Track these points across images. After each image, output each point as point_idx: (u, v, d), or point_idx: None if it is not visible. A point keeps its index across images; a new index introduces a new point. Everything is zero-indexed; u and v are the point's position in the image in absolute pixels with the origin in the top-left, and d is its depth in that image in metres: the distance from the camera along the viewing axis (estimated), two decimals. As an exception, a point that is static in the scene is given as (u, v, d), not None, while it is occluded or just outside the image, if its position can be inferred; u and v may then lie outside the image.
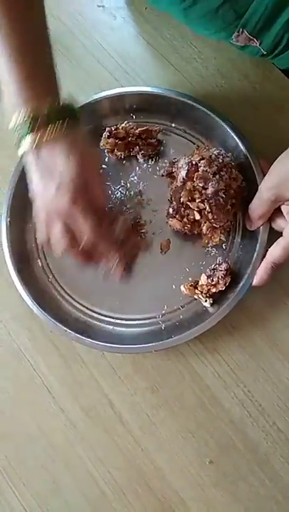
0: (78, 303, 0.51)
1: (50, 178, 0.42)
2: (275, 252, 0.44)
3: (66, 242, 0.44)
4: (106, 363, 0.50)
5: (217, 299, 0.47)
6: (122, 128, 0.52)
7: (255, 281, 0.46)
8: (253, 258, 0.47)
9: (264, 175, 0.47)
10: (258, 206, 0.46)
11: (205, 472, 0.46)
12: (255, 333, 0.48)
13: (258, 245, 0.47)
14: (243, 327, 0.48)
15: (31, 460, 0.49)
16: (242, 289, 0.46)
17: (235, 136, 0.50)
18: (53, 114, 0.41)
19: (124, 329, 0.49)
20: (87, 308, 0.51)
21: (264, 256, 0.46)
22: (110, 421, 0.48)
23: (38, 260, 0.53)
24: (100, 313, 0.50)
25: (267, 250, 0.46)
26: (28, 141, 0.41)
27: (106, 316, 0.50)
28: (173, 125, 0.53)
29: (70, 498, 0.48)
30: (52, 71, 0.43)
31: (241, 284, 0.46)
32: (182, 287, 0.48)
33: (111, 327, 0.50)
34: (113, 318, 0.50)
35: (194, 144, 0.53)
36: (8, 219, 0.52)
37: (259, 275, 0.45)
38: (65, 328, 0.48)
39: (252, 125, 0.52)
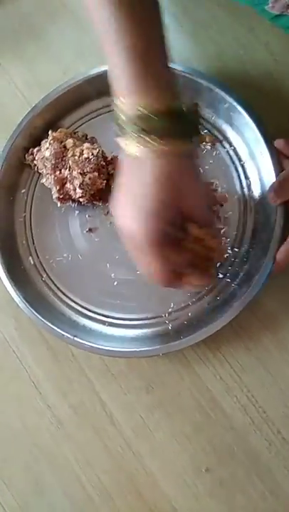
0: (75, 303, 0.47)
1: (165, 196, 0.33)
2: None
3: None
4: (98, 358, 0.46)
5: (229, 294, 0.43)
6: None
7: (275, 268, 0.42)
8: (269, 245, 0.42)
9: (280, 154, 0.43)
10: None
11: (200, 480, 0.43)
12: (265, 334, 0.44)
13: (272, 241, 0.42)
14: (251, 327, 0.44)
15: (14, 459, 0.46)
16: (256, 284, 0.42)
17: (243, 111, 0.45)
18: (186, 126, 0.34)
19: (126, 330, 0.45)
20: (85, 308, 0.47)
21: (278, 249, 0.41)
22: (100, 421, 0.45)
23: (30, 258, 0.48)
24: (99, 314, 0.46)
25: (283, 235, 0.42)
26: (143, 142, 0.32)
27: (106, 316, 0.46)
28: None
29: (54, 501, 0.44)
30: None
31: (257, 276, 0.42)
32: None
33: (112, 328, 0.46)
34: (114, 318, 0.46)
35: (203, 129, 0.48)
36: None
37: (278, 260, 0.41)
38: (62, 332, 0.44)
39: (272, 102, 0.47)
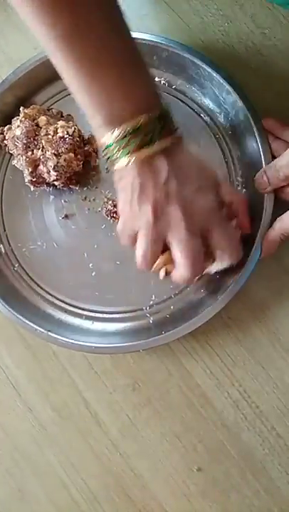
0: (50, 295, 0.44)
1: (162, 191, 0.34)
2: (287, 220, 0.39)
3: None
4: (81, 356, 0.43)
5: (215, 286, 0.40)
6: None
7: (262, 255, 0.40)
8: (256, 237, 0.40)
9: (269, 135, 0.41)
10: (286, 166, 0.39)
11: (192, 481, 0.41)
12: (255, 325, 0.42)
13: (262, 223, 0.40)
14: (241, 318, 0.42)
15: (-6, 465, 0.43)
16: (242, 277, 0.39)
17: (230, 89, 0.42)
18: (153, 126, 0.33)
19: (105, 324, 0.43)
20: (60, 300, 0.44)
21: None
22: (85, 422, 0.43)
23: (1, 245, 0.45)
24: (75, 306, 0.43)
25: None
26: (125, 158, 0.34)
27: (83, 309, 0.43)
28: (156, 79, 0.45)
29: (38, 508, 0.42)
30: (148, 75, 0.35)
31: (242, 270, 0.39)
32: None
33: (90, 322, 0.43)
34: (92, 311, 0.43)
35: (182, 101, 0.44)
36: None
37: (265, 246, 0.39)
38: (35, 327, 0.41)
39: (260, 78, 0.44)
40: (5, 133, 0.44)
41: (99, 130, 0.34)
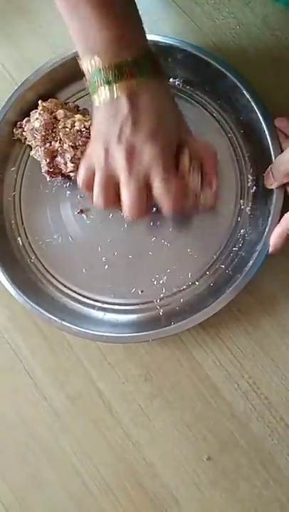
0: (65, 286, 0.45)
1: (130, 125, 0.35)
2: None
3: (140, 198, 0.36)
4: (94, 348, 0.45)
5: (224, 280, 0.42)
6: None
7: (270, 250, 0.40)
8: (264, 233, 0.41)
9: (279, 134, 0.42)
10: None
11: (202, 470, 0.42)
12: (265, 318, 0.43)
13: (270, 219, 0.41)
14: (250, 311, 0.43)
15: (10, 452, 0.44)
16: (252, 269, 0.40)
17: (243, 90, 0.43)
18: (140, 63, 0.35)
19: (116, 315, 0.44)
20: (74, 292, 0.45)
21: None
22: (98, 411, 0.44)
23: (19, 238, 0.47)
24: (89, 298, 0.45)
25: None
26: (105, 90, 0.35)
27: (96, 300, 0.45)
28: (171, 80, 0.46)
29: (53, 495, 0.43)
30: (138, 15, 0.37)
31: (250, 263, 0.40)
32: None
33: (102, 313, 0.44)
34: (104, 303, 0.44)
35: (196, 103, 0.46)
36: None
37: (273, 242, 0.40)
38: (50, 316, 0.42)
39: (271, 79, 0.45)
40: (24, 125, 0.46)
41: (82, 57, 0.36)
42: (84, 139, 0.43)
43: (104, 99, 0.35)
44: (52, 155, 0.44)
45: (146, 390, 0.43)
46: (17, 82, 0.48)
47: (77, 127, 0.43)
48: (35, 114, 0.45)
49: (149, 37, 0.43)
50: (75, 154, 0.43)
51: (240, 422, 0.42)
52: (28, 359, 0.46)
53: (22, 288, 0.44)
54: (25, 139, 0.46)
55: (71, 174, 0.45)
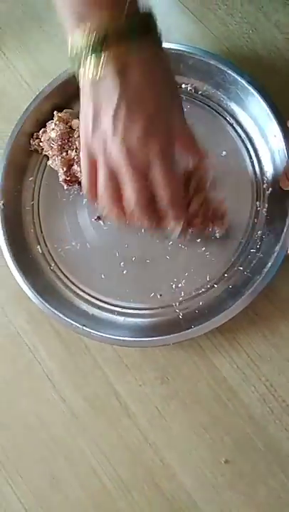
0: (84, 292, 0.46)
1: (115, 107, 0.31)
2: None
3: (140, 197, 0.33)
4: (112, 350, 0.45)
5: (242, 282, 0.42)
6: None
7: None
8: (281, 234, 0.41)
9: None
10: None
11: (220, 472, 0.42)
12: (282, 322, 0.43)
13: (287, 219, 0.41)
14: (267, 315, 0.43)
15: (30, 453, 0.45)
16: (270, 271, 0.40)
17: (255, 93, 0.43)
18: (127, 28, 0.30)
19: (136, 319, 0.44)
20: (94, 297, 0.46)
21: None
22: (115, 413, 0.44)
23: (38, 247, 0.48)
24: (108, 303, 0.45)
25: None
26: (92, 62, 0.30)
27: (116, 305, 0.45)
28: (183, 86, 0.47)
29: (71, 495, 0.44)
30: None
31: (269, 265, 0.40)
32: None
33: (122, 318, 0.45)
34: (124, 307, 0.45)
35: (208, 106, 0.46)
36: (2, 202, 0.47)
37: None
38: (71, 322, 0.43)
39: (284, 82, 0.45)
40: (40, 136, 0.47)
41: (68, 32, 0.32)
42: None
43: (92, 71, 0.31)
44: (68, 164, 0.45)
45: (163, 393, 0.44)
46: (34, 91, 0.49)
47: None
48: (51, 125, 0.46)
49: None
50: None
51: (258, 424, 0.42)
52: (46, 361, 0.46)
53: (43, 295, 0.45)
54: (42, 149, 0.48)
55: None
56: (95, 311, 0.45)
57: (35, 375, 0.46)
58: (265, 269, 0.40)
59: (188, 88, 0.47)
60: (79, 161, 0.44)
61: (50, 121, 0.47)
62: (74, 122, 0.46)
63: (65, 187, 0.47)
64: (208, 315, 0.42)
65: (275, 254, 0.40)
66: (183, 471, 0.42)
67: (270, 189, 0.44)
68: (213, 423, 0.42)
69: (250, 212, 0.44)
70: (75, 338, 0.46)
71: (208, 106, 0.46)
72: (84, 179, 0.36)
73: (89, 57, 0.30)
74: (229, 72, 0.44)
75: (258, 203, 0.44)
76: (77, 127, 0.45)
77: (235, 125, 0.46)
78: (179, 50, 0.45)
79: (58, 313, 0.44)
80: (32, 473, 0.45)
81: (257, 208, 0.44)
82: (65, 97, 0.48)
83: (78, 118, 0.46)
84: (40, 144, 0.47)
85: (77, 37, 0.31)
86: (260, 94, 0.43)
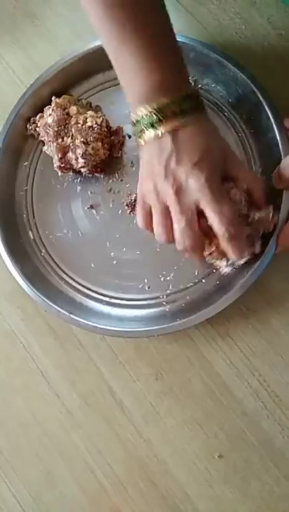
0: (73, 280, 0.46)
1: (180, 164, 0.37)
2: None
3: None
4: (106, 346, 0.45)
5: (230, 278, 0.42)
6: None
7: (278, 249, 0.40)
8: (270, 237, 0.41)
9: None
10: None
11: (213, 467, 0.42)
12: (273, 316, 0.43)
13: (280, 215, 0.41)
14: (259, 309, 0.43)
15: (25, 449, 0.45)
16: (259, 267, 0.40)
17: (254, 89, 0.43)
18: (182, 104, 0.36)
19: (123, 310, 0.45)
20: (83, 286, 0.46)
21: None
22: (110, 409, 0.44)
23: (30, 232, 0.47)
24: (97, 292, 0.46)
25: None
26: (151, 132, 0.37)
27: (104, 295, 0.45)
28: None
29: (66, 491, 0.44)
30: (179, 56, 0.38)
31: (258, 261, 0.41)
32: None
33: (110, 307, 0.45)
34: (112, 297, 0.45)
35: (207, 100, 0.46)
36: None
37: (281, 241, 0.40)
38: (58, 309, 0.43)
39: (276, 78, 0.45)
40: (37, 121, 0.47)
41: (130, 106, 0.38)
42: (95, 135, 0.44)
43: (149, 139, 0.37)
44: (64, 150, 0.45)
45: (157, 389, 0.44)
46: (26, 86, 0.49)
47: (89, 123, 0.44)
48: (48, 110, 0.46)
49: None
50: (86, 150, 0.44)
51: (251, 419, 0.42)
52: (41, 358, 0.46)
53: (32, 281, 0.45)
54: (39, 134, 0.47)
55: (82, 170, 0.45)
56: (83, 300, 0.45)
57: (29, 372, 0.46)
58: (254, 266, 0.40)
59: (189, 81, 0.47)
60: (74, 148, 0.44)
61: (47, 107, 0.46)
62: (71, 109, 0.45)
63: (59, 173, 0.47)
64: (194, 309, 0.42)
65: (265, 251, 0.40)
66: (177, 466, 0.43)
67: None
68: (207, 418, 0.43)
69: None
70: (69, 335, 0.46)
71: (207, 100, 0.46)
72: (140, 220, 0.40)
73: (149, 129, 0.37)
74: (229, 66, 0.44)
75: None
76: (75, 114, 0.45)
77: (232, 120, 0.46)
78: (180, 42, 0.44)
79: (46, 300, 0.44)
80: (27, 469, 0.45)
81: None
82: (63, 83, 0.48)
83: (76, 104, 0.46)
84: (37, 129, 0.47)
85: (140, 112, 0.37)
86: (259, 90, 0.43)
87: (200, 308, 0.42)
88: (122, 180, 0.47)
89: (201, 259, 0.41)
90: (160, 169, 0.37)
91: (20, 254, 0.46)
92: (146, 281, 0.45)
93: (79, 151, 0.44)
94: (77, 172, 0.47)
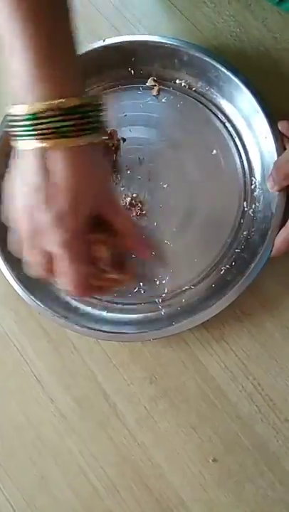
0: None
1: (51, 189, 0.30)
2: None
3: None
4: (100, 350, 0.45)
5: (225, 282, 0.42)
6: None
7: (273, 252, 0.40)
8: (267, 234, 0.41)
9: (284, 137, 0.42)
10: (286, 163, 0.40)
11: (208, 471, 0.42)
12: (268, 319, 0.43)
13: (273, 219, 0.41)
14: (253, 313, 0.43)
15: (18, 453, 0.45)
16: (254, 271, 0.40)
17: (249, 93, 0.43)
18: (61, 116, 0.29)
19: (118, 314, 0.44)
20: None
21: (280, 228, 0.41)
22: (104, 413, 0.44)
23: None
24: (92, 297, 0.45)
25: (283, 225, 0.40)
26: (31, 140, 0.30)
27: (98, 299, 0.45)
28: (177, 81, 0.47)
29: (60, 495, 0.44)
30: (75, 58, 0.31)
31: (253, 265, 0.41)
32: None
33: (104, 311, 0.45)
34: (107, 301, 0.45)
35: (201, 103, 0.46)
36: None
37: (277, 245, 0.40)
38: (53, 313, 0.43)
39: (271, 82, 0.45)
40: None
41: (14, 97, 0.30)
42: None
43: (17, 147, 0.31)
44: None
45: (151, 392, 0.44)
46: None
47: None
48: None
49: (157, 38, 0.45)
50: None
51: (245, 423, 0.42)
52: (35, 361, 0.46)
53: (27, 285, 0.44)
54: None
55: None
56: (78, 304, 0.45)
57: (23, 376, 0.46)
58: (249, 270, 0.40)
59: (182, 84, 0.47)
60: None
61: None
62: None
63: None
64: (190, 312, 0.42)
65: (259, 254, 0.40)
66: (171, 470, 0.43)
67: (258, 190, 0.44)
68: (201, 422, 0.43)
69: (236, 212, 0.44)
70: (63, 338, 0.46)
71: (201, 103, 0.46)
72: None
73: (21, 139, 0.30)
74: (223, 70, 0.44)
75: (245, 203, 0.44)
76: None
77: (226, 124, 0.46)
78: (174, 45, 0.45)
79: (40, 304, 0.43)
80: (20, 473, 0.45)
81: (244, 208, 0.44)
82: None
83: None
84: None
85: (13, 110, 0.30)
86: (253, 94, 0.43)
87: (195, 311, 0.41)
88: (116, 184, 0.47)
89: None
90: (26, 200, 0.31)
91: (15, 257, 0.46)
92: (141, 284, 0.44)
93: None
94: None
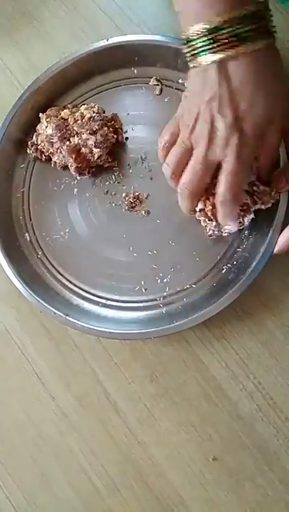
0: (70, 282, 0.46)
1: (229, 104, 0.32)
2: None
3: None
4: (101, 348, 0.45)
5: (227, 280, 0.42)
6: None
7: (275, 250, 0.40)
8: (269, 232, 0.41)
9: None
10: None
11: (208, 470, 0.42)
12: (269, 318, 0.43)
13: (276, 218, 0.41)
14: (255, 312, 0.43)
15: (19, 451, 0.45)
16: (255, 270, 0.41)
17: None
18: (238, 28, 0.31)
19: (120, 312, 0.44)
20: (79, 288, 0.46)
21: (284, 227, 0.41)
22: (105, 411, 0.44)
23: (26, 234, 0.47)
24: (93, 294, 0.45)
25: (285, 224, 0.40)
26: (213, 54, 0.32)
27: (100, 297, 0.45)
28: (180, 81, 0.47)
29: (60, 493, 0.44)
30: None
31: (254, 263, 0.41)
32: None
33: (106, 309, 0.45)
34: (108, 299, 0.45)
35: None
36: None
37: (280, 243, 0.40)
38: (54, 311, 0.43)
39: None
40: (36, 140, 0.47)
41: (186, 22, 0.33)
42: (98, 122, 0.44)
43: (196, 65, 0.33)
44: (75, 149, 0.45)
45: (152, 391, 0.44)
46: (24, 87, 0.49)
47: (87, 115, 0.44)
48: (42, 125, 0.46)
49: (160, 38, 0.45)
50: (96, 139, 0.44)
51: (246, 422, 0.42)
52: (36, 359, 0.46)
53: (28, 283, 0.44)
54: (42, 152, 0.47)
55: (99, 160, 0.45)
56: (80, 302, 0.45)
57: (24, 374, 0.46)
58: (250, 269, 0.40)
59: (185, 84, 0.47)
60: (84, 142, 0.44)
61: (39, 125, 0.47)
62: (64, 113, 0.46)
63: (78, 177, 0.47)
64: (191, 311, 0.42)
65: (261, 253, 0.40)
66: (171, 468, 0.43)
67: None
68: (202, 421, 0.43)
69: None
70: (64, 336, 0.46)
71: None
72: (161, 139, 0.39)
73: (199, 54, 0.33)
74: None
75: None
76: (68, 115, 0.45)
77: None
78: (177, 44, 0.45)
79: (42, 302, 0.43)
80: (21, 471, 0.45)
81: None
82: (60, 86, 0.48)
83: (66, 108, 0.46)
84: (39, 147, 0.47)
85: (190, 30, 0.33)
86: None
87: (196, 310, 0.42)
88: (118, 183, 0.47)
89: (190, 211, 0.40)
90: (203, 107, 0.33)
91: (16, 256, 0.46)
92: (142, 283, 0.44)
93: (90, 142, 0.44)
94: (93, 173, 0.47)
